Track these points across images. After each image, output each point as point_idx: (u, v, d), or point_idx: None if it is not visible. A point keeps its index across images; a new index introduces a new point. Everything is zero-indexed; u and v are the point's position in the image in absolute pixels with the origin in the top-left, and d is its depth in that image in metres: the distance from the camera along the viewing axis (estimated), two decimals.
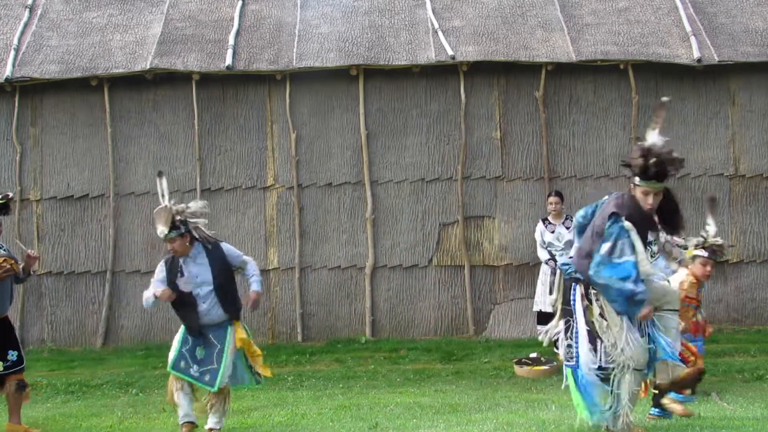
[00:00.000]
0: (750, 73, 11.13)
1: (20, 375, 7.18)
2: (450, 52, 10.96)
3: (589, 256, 5.82)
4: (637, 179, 5.76)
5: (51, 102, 11.25)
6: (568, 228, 9.87)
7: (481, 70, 11.09)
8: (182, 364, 6.75)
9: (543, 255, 9.98)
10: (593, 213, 6.04)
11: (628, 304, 5.70)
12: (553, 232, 9.94)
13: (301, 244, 11.09)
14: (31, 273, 7.54)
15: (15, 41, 11.42)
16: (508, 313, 11.05)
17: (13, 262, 7.12)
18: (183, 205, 6.79)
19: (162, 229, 6.63)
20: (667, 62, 10.95)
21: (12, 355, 7.14)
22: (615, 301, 5.75)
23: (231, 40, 11.28)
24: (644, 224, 5.80)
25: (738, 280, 11.09)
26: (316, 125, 11.19)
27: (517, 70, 11.13)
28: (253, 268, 7.04)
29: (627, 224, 5.69)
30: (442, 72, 11.12)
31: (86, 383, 9.37)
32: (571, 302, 6.10)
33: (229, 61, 11.02)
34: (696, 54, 10.88)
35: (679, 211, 5.93)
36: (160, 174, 6.92)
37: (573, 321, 6.05)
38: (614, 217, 5.73)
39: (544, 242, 9.99)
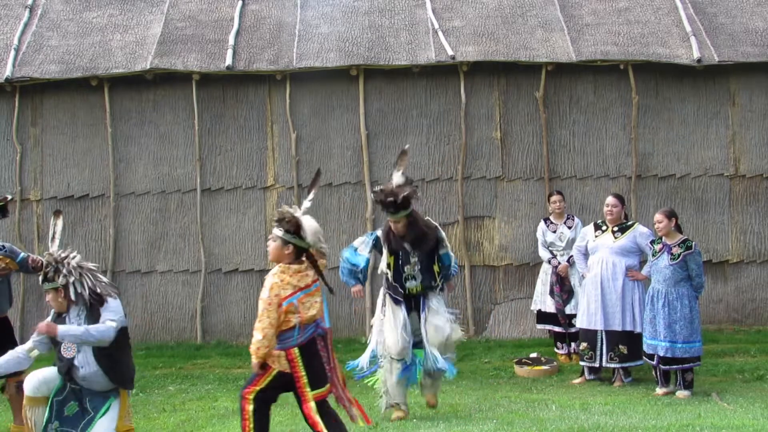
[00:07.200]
0: (750, 73, 11.13)
1: (20, 377, 7.14)
2: (450, 52, 10.96)
3: None
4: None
5: (51, 102, 11.25)
6: (570, 227, 9.89)
7: (481, 71, 11.09)
8: None
9: (544, 254, 9.98)
10: None
11: (348, 277, 7.60)
12: (554, 231, 9.95)
13: None
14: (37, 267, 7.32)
15: (15, 41, 11.41)
16: (509, 313, 11.05)
17: (9, 260, 7.09)
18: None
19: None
20: (667, 62, 10.95)
21: None
22: (343, 273, 7.63)
23: (231, 40, 11.28)
24: (394, 242, 7.36)
25: (738, 280, 11.09)
26: (317, 125, 11.19)
27: (517, 70, 11.12)
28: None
29: (378, 233, 7.53)
30: (442, 72, 11.11)
31: None
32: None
33: (229, 61, 11.01)
34: (696, 54, 10.88)
35: (423, 233, 7.29)
36: (57, 213, 6.18)
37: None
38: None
39: (546, 242, 9.99)
